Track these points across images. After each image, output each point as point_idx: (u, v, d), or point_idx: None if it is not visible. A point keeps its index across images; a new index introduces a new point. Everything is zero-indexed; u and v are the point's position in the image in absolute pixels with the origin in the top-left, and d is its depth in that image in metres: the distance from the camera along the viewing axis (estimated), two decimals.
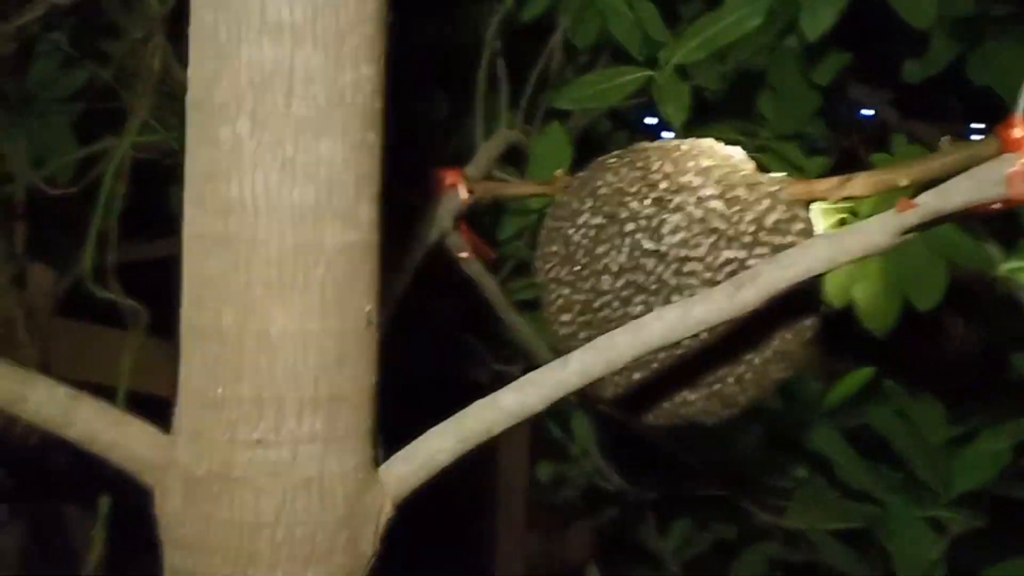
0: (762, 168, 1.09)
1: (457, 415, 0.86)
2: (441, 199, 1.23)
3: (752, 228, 1.03)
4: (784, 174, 1.10)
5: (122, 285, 1.63)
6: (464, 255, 1.26)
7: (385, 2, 0.82)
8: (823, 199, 1.02)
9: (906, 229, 0.85)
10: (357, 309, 0.82)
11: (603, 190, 1.10)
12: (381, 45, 0.82)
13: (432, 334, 1.94)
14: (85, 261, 1.58)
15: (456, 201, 1.24)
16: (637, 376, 1.09)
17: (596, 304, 1.10)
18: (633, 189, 1.08)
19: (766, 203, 1.03)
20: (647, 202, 1.06)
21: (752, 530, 1.93)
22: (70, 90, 2.00)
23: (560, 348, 1.11)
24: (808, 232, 1.03)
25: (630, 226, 1.07)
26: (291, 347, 0.80)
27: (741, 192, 1.04)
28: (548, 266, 1.14)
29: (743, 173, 1.06)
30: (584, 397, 1.84)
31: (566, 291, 1.12)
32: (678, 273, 1.04)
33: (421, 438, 0.86)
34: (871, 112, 2.60)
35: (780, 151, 1.88)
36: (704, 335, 1.04)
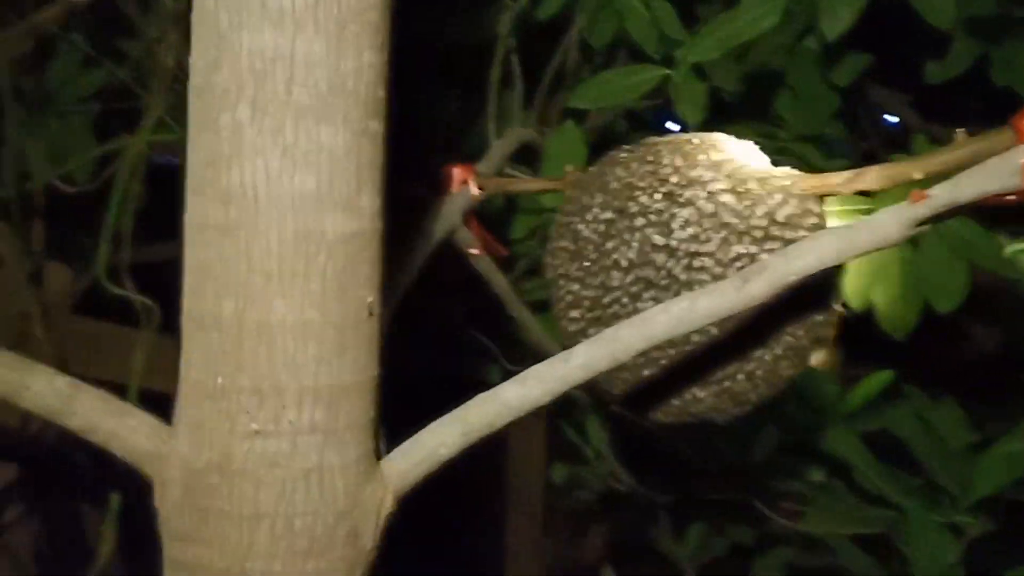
0: (775, 164, 1.07)
1: (459, 408, 0.85)
2: (451, 195, 1.23)
3: (764, 223, 1.01)
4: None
5: (143, 284, 1.63)
6: (474, 251, 1.25)
7: None
8: (836, 193, 1.01)
9: (919, 221, 0.83)
10: (358, 299, 0.81)
11: (613, 185, 1.09)
12: (385, 33, 0.81)
13: (443, 333, 1.93)
14: (99, 258, 1.58)
15: (466, 197, 1.23)
16: (646, 373, 1.07)
17: (605, 300, 1.09)
18: (643, 183, 1.06)
19: (778, 197, 1.02)
20: (657, 196, 1.05)
21: (769, 534, 1.91)
22: (89, 90, 2.01)
23: (569, 345, 1.09)
24: (821, 227, 1.01)
25: (640, 221, 1.05)
26: (291, 337, 0.79)
27: (752, 186, 1.02)
28: (557, 262, 1.13)
29: (755, 167, 1.04)
30: (595, 397, 1.83)
31: (575, 287, 1.11)
32: (688, 268, 1.03)
33: (423, 432, 0.85)
34: (895, 119, 2.58)
35: (799, 153, 1.86)
36: (714, 331, 1.03)
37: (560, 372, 0.85)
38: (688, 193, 1.04)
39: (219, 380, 0.79)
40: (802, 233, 1.00)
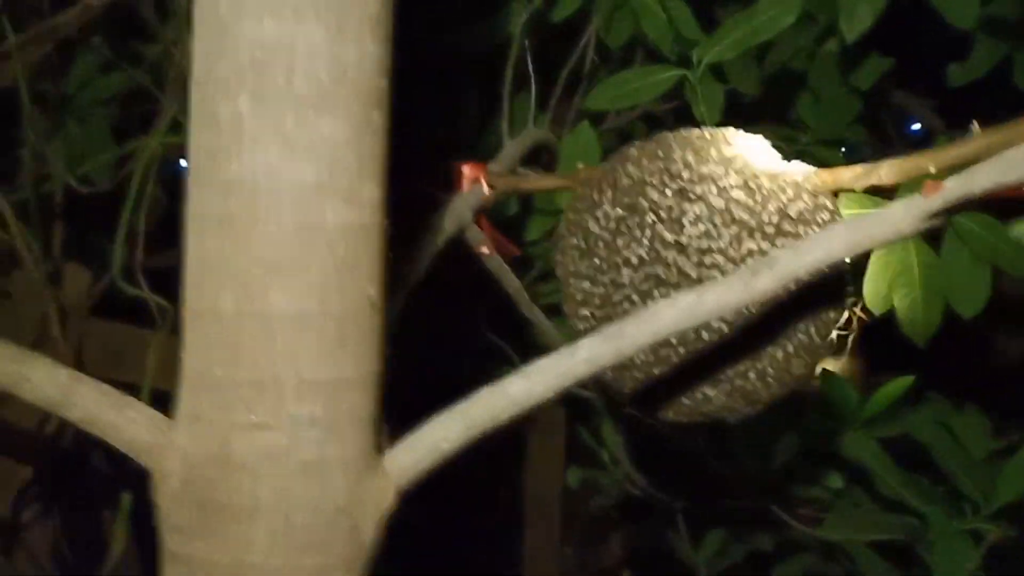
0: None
1: (462, 403, 0.84)
2: (461, 192, 1.22)
3: (776, 218, 1.00)
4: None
5: (165, 287, 1.63)
6: (484, 250, 1.24)
7: None
8: (849, 188, 0.99)
9: (932, 214, 0.81)
10: (359, 291, 0.80)
11: (624, 181, 1.08)
12: (387, 23, 0.80)
13: (458, 334, 1.92)
14: (115, 258, 1.59)
15: (477, 195, 1.22)
16: (657, 371, 1.06)
17: (615, 298, 1.07)
18: (654, 180, 1.05)
19: (790, 193, 1.00)
20: (668, 192, 1.04)
21: (788, 541, 1.89)
22: (108, 93, 2.02)
23: None
24: (834, 222, 1.00)
25: (650, 217, 1.04)
26: (290, 329, 0.78)
27: (764, 182, 1.01)
28: (567, 260, 1.12)
29: (767, 163, 1.03)
30: (608, 399, 1.81)
31: (585, 284, 1.10)
32: (699, 265, 1.02)
33: (426, 426, 0.84)
34: (919, 127, 2.56)
35: (820, 157, 1.84)
36: (724, 328, 1.02)
37: (564, 366, 0.83)
38: (699, 189, 1.02)
39: (218, 372, 0.79)
40: (815, 229, 0.99)
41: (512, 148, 1.41)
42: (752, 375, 1.03)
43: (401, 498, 0.85)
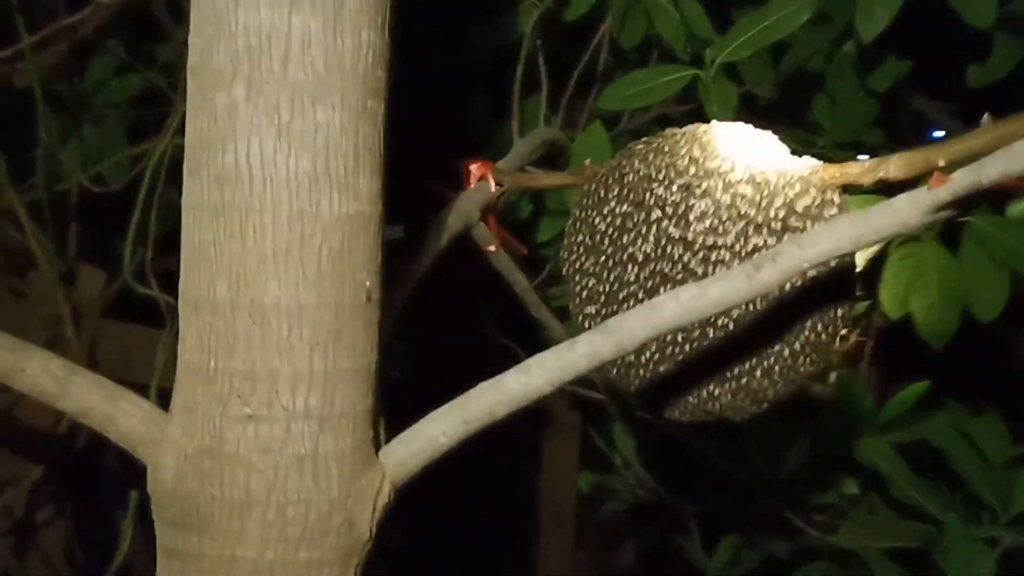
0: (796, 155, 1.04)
1: (460, 397, 0.83)
2: (468, 190, 1.21)
3: (782, 213, 0.98)
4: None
5: (176, 287, 1.62)
6: (491, 248, 1.23)
7: None
8: (857, 183, 0.97)
9: (939, 206, 0.80)
10: (356, 283, 0.79)
11: (630, 177, 1.06)
12: (386, 12, 0.79)
13: (470, 336, 1.91)
14: (125, 258, 1.59)
15: (483, 192, 1.21)
16: (662, 369, 1.04)
17: (621, 295, 1.06)
18: (660, 175, 1.04)
19: (797, 187, 0.99)
20: (674, 188, 1.02)
21: (803, 548, 1.86)
22: (124, 95, 2.03)
23: None
24: None
25: (656, 213, 1.03)
26: (285, 320, 0.77)
27: (771, 177, 0.99)
28: (573, 257, 1.11)
29: (774, 157, 1.01)
30: (619, 400, 1.79)
31: (591, 282, 1.09)
32: (705, 261, 1.00)
33: (423, 420, 0.83)
34: (941, 133, 2.53)
35: (837, 160, 1.82)
36: (731, 326, 1.00)
37: (563, 360, 0.82)
38: (705, 184, 1.01)
39: (212, 363, 0.78)
40: (822, 224, 0.97)
41: (521, 147, 1.40)
42: (759, 373, 1.01)
43: (398, 493, 0.84)
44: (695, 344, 1.02)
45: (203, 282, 0.78)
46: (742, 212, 0.99)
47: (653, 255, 1.03)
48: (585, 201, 1.11)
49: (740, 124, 1.05)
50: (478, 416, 0.82)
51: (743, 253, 0.99)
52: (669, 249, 1.02)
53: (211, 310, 0.78)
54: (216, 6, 0.76)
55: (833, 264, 0.97)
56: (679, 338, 1.02)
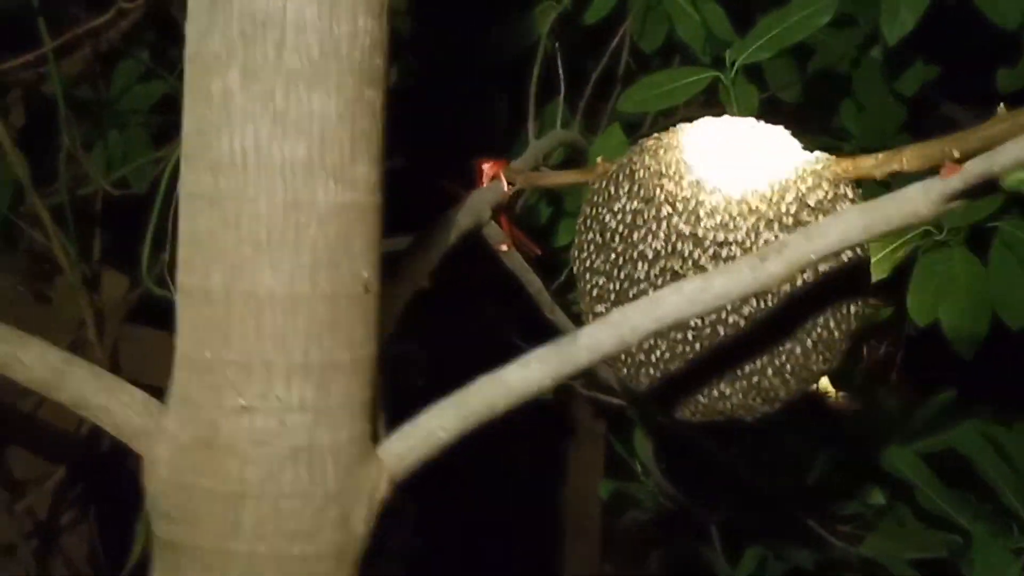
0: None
1: (460, 391, 0.81)
2: (480, 188, 1.20)
3: (794, 208, 0.96)
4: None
5: None
6: (503, 248, 1.22)
7: None
8: (870, 176, 0.95)
9: (951, 195, 0.77)
10: (352, 273, 0.78)
11: (640, 173, 1.05)
12: None
13: (483, 335, 1.90)
14: (142, 261, 1.59)
15: (496, 191, 1.20)
16: (672, 367, 1.02)
17: (631, 293, 1.04)
18: (670, 171, 1.02)
19: (809, 182, 0.97)
20: (684, 183, 1.01)
21: (828, 559, 1.83)
22: (148, 101, 2.04)
23: None
24: None
25: (667, 209, 1.01)
26: (280, 310, 0.76)
27: (782, 171, 0.97)
28: (584, 255, 1.09)
29: (786, 151, 0.99)
30: (641, 408, 1.77)
31: (601, 280, 1.07)
32: (716, 258, 0.98)
33: (421, 414, 0.82)
34: None
35: None
36: (741, 323, 0.98)
37: (564, 354, 0.80)
38: (715, 179, 0.99)
39: (207, 354, 0.77)
40: None
41: (536, 148, 1.39)
42: (770, 372, 0.99)
43: (396, 488, 0.82)
44: (705, 342, 1.00)
45: (198, 271, 0.78)
46: (753, 207, 0.97)
47: (663, 252, 1.01)
48: (595, 198, 1.10)
49: (751, 119, 1.03)
50: (477, 411, 0.80)
51: (754, 249, 0.97)
52: (679, 246, 1.00)
53: (206, 300, 0.77)
54: None
55: (845, 259, 0.95)
56: (689, 336, 1.00)
